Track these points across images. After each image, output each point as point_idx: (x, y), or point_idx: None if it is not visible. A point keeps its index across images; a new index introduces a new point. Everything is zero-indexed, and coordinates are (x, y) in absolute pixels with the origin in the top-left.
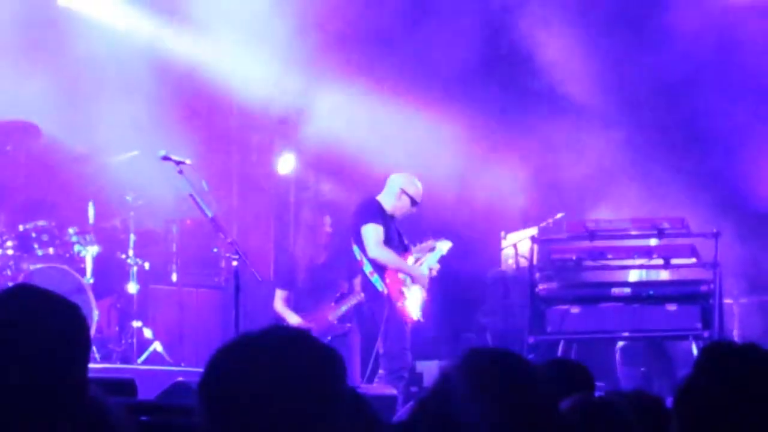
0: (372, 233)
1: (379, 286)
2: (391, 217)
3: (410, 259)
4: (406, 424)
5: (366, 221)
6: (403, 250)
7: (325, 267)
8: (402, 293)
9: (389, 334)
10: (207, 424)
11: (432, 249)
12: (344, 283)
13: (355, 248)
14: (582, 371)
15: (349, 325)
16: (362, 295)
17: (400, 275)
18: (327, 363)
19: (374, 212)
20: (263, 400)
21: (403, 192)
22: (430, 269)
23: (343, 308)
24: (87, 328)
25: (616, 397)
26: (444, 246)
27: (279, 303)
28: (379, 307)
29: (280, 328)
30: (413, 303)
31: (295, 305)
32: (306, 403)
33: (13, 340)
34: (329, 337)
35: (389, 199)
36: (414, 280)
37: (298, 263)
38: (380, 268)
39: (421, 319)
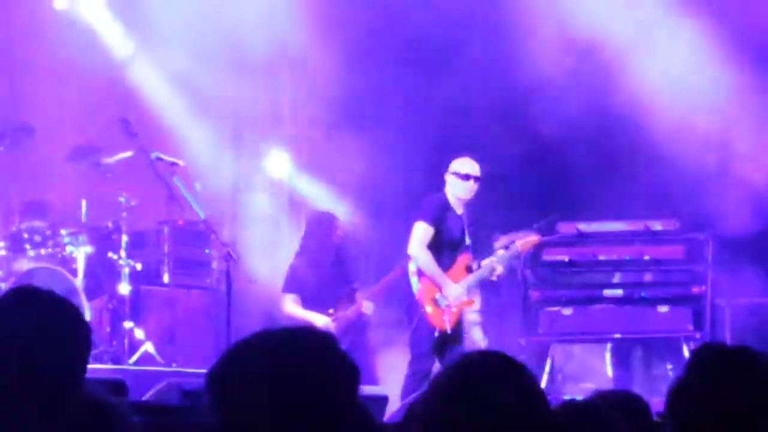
0: (418, 232)
1: (414, 287)
2: (456, 210)
3: (463, 258)
4: (399, 425)
5: (417, 218)
6: (462, 249)
7: (333, 268)
8: (432, 301)
9: (414, 336)
10: (214, 415)
11: (506, 247)
12: (352, 283)
13: (409, 243)
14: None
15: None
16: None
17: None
18: (343, 369)
19: (430, 210)
20: (274, 400)
21: (450, 173)
22: (492, 274)
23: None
24: (89, 333)
25: (602, 399)
26: (523, 243)
27: (293, 307)
28: (412, 308)
29: (303, 328)
30: (441, 313)
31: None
32: (315, 408)
33: (14, 341)
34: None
35: (449, 189)
36: (443, 293)
37: (306, 267)
38: (420, 271)
39: (448, 331)
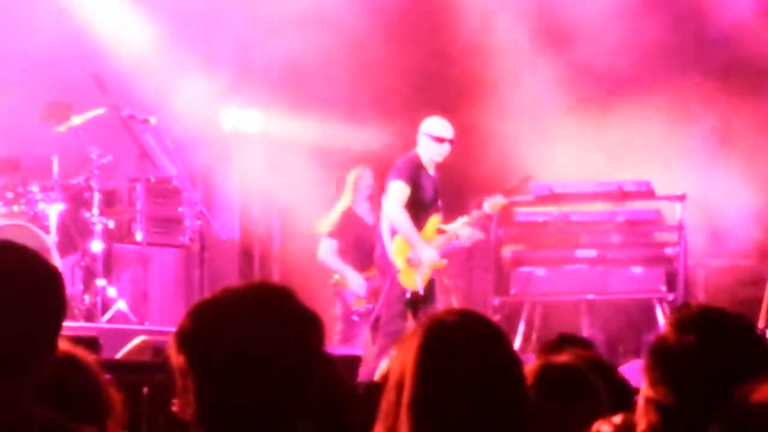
0: (395, 190)
1: (387, 247)
2: (429, 170)
3: (435, 219)
4: (372, 386)
5: (394, 177)
6: (434, 209)
7: (372, 227)
8: (405, 261)
9: (387, 297)
10: (180, 373)
11: (476, 208)
12: None
13: (383, 202)
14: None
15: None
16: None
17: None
18: (306, 324)
19: (406, 169)
20: (239, 354)
21: (424, 134)
22: (462, 235)
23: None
24: (64, 290)
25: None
26: (492, 205)
27: (330, 254)
28: (385, 268)
29: (263, 284)
30: (414, 273)
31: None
32: (280, 360)
33: None
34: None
35: (421, 150)
36: (416, 254)
37: (351, 219)
38: (393, 230)
39: (420, 292)
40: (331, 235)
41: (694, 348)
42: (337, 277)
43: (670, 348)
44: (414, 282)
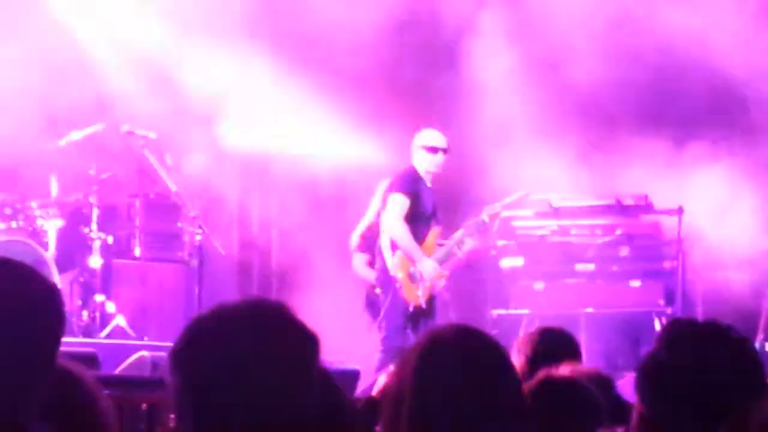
0: (395, 204)
1: (388, 261)
2: (427, 183)
3: (434, 232)
4: (372, 401)
5: (394, 190)
6: (433, 222)
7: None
8: (407, 275)
9: (388, 312)
10: (176, 391)
11: (474, 219)
12: None
13: (383, 215)
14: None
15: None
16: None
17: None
18: (303, 339)
19: (406, 182)
20: (234, 372)
21: (418, 147)
22: (461, 247)
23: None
24: (62, 306)
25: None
26: (490, 214)
27: (363, 268)
28: (386, 283)
29: (258, 300)
30: (416, 287)
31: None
32: (276, 377)
33: None
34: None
35: (417, 163)
36: (416, 268)
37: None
38: (394, 245)
39: (423, 305)
40: (360, 249)
41: (682, 364)
42: (378, 290)
43: (659, 364)
44: (416, 296)
